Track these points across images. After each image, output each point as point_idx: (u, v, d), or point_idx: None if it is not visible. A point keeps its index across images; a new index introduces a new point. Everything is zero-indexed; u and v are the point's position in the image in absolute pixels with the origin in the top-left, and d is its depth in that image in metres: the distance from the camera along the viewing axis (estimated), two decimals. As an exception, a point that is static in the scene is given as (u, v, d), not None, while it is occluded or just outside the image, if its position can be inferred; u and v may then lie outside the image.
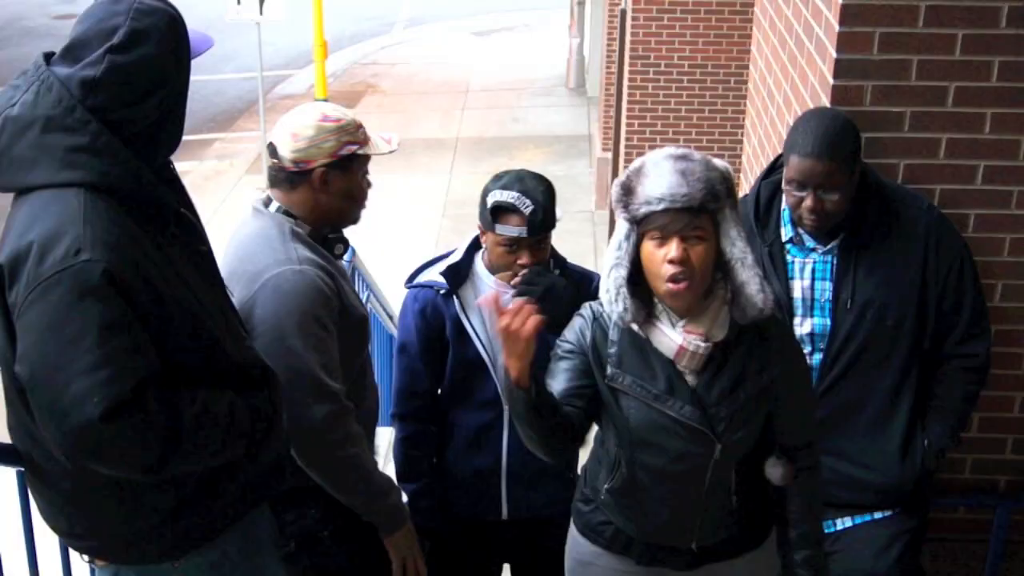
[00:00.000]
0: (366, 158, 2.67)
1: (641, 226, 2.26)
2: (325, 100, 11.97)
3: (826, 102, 2.91)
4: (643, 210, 2.24)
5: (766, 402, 2.40)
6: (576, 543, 2.65)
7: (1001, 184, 2.95)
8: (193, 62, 2.23)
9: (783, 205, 2.84)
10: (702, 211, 2.23)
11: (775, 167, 2.94)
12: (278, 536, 2.53)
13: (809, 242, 2.81)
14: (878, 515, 2.88)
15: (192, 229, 2.20)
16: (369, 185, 2.72)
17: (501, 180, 2.84)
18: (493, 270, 2.91)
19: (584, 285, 2.94)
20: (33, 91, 2.02)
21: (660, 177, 2.23)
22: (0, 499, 2.74)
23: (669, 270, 2.23)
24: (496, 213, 2.79)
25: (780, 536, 2.55)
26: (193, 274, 2.15)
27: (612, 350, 2.38)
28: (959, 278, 2.78)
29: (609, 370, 2.37)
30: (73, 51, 2.05)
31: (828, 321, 2.80)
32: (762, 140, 4.03)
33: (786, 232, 2.83)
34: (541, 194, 2.78)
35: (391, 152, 2.72)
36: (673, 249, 2.22)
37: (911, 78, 2.86)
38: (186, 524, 2.20)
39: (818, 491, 2.54)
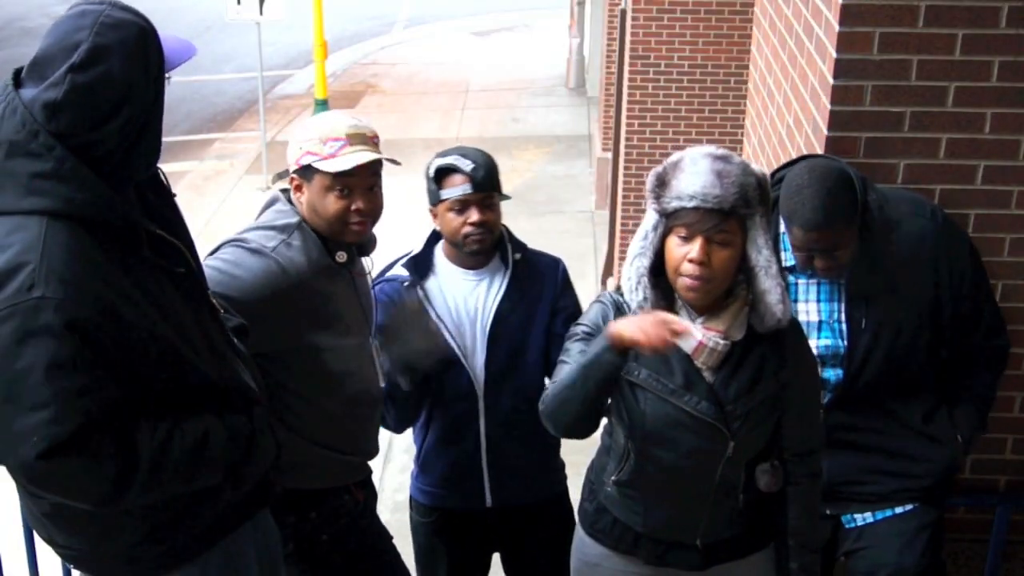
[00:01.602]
0: (329, 175, 2.56)
1: (670, 220, 2.27)
2: (325, 100, 11.96)
3: (826, 102, 2.91)
4: (674, 204, 2.24)
5: (779, 404, 2.40)
6: (583, 544, 2.65)
7: (1001, 184, 2.95)
8: (191, 62, 2.20)
9: (782, 228, 2.77)
10: (732, 215, 2.23)
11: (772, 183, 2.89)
12: (276, 547, 2.51)
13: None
14: (899, 509, 2.88)
15: (169, 251, 2.12)
16: (352, 207, 2.59)
17: (440, 153, 2.91)
18: (450, 243, 2.93)
19: (552, 270, 3.02)
20: None
21: (696, 175, 2.22)
22: (0, 500, 2.74)
23: (688, 268, 2.24)
24: (440, 179, 2.85)
25: (777, 541, 2.54)
26: (171, 296, 2.09)
27: None
28: (973, 283, 2.78)
29: (626, 364, 2.37)
30: (38, 68, 1.98)
31: (839, 340, 2.77)
32: (762, 140, 4.03)
33: (787, 259, 2.78)
34: (480, 155, 2.86)
35: (343, 172, 2.56)
36: (696, 249, 2.22)
37: (911, 78, 2.86)
38: (162, 547, 2.19)
39: (817, 499, 2.54)
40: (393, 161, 2.67)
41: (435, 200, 2.88)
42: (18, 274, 1.90)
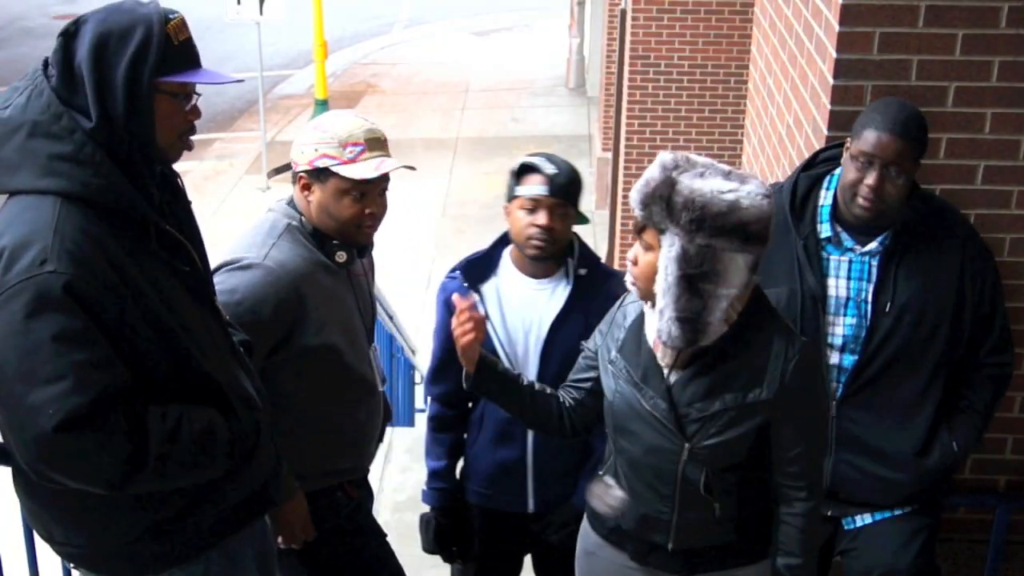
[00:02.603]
0: (349, 180, 2.56)
1: None
2: (325, 100, 11.96)
3: (826, 102, 2.91)
4: None
5: (751, 421, 2.34)
6: (585, 532, 2.69)
7: (1001, 184, 2.95)
8: None
9: (820, 201, 2.80)
10: (648, 224, 2.23)
11: (815, 161, 2.89)
12: (271, 550, 2.52)
13: (847, 241, 2.77)
14: (897, 511, 2.88)
15: (176, 248, 2.15)
16: (366, 211, 2.61)
17: (531, 153, 2.91)
18: (516, 244, 2.91)
19: (619, 289, 2.91)
20: (26, 95, 2.02)
21: (641, 176, 2.26)
22: (0, 499, 2.74)
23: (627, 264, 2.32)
24: (520, 175, 2.84)
25: (772, 564, 2.50)
26: (177, 292, 2.12)
27: (621, 334, 2.43)
28: (994, 289, 2.78)
29: (612, 352, 2.44)
30: None
31: (862, 322, 2.77)
32: (762, 140, 4.03)
33: (823, 230, 2.78)
34: (566, 164, 2.85)
35: (366, 180, 2.56)
36: (632, 248, 2.30)
37: (911, 78, 2.86)
38: (164, 544, 2.19)
39: (815, 527, 2.46)
40: (410, 167, 2.65)
41: (510, 195, 2.87)
42: (30, 249, 1.93)
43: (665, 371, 2.36)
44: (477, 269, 2.96)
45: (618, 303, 2.53)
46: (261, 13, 10.95)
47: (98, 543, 2.18)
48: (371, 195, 2.61)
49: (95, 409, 1.92)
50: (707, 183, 2.18)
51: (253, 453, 2.23)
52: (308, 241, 2.62)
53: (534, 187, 2.80)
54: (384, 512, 4.86)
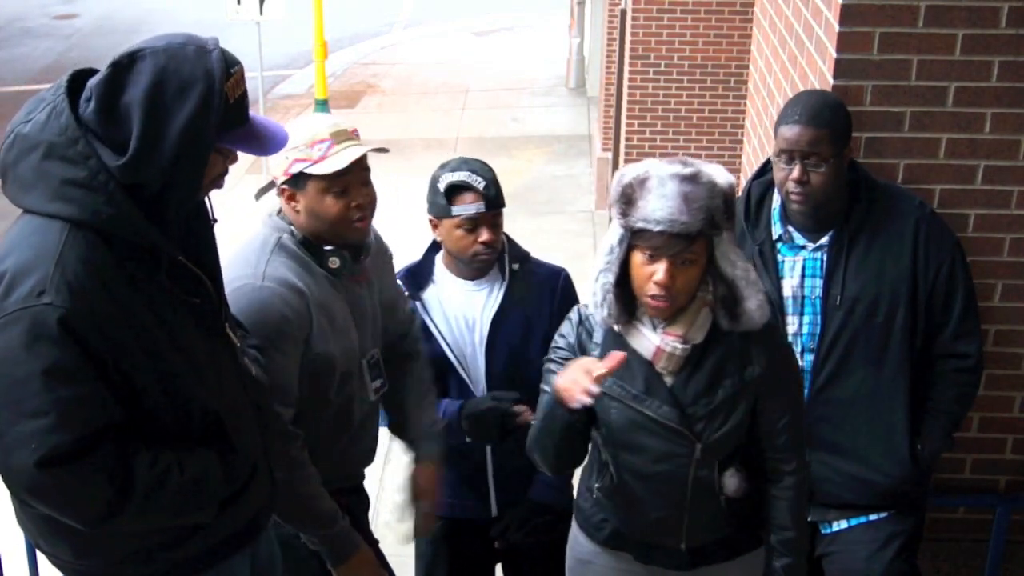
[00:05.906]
0: (324, 177, 2.51)
1: (634, 237, 2.26)
2: (325, 100, 11.95)
3: (826, 102, 2.91)
4: (639, 225, 2.23)
5: (747, 401, 2.38)
6: (576, 541, 2.66)
7: (1001, 184, 2.95)
8: None
9: (774, 204, 2.84)
10: (698, 236, 2.22)
11: (766, 168, 2.94)
12: (274, 564, 2.50)
13: (799, 239, 2.81)
14: (873, 517, 2.88)
15: (188, 279, 2.10)
16: (352, 204, 2.55)
17: (447, 166, 2.91)
18: (455, 257, 2.93)
19: (552, 280, 3.01)
20: (47, 112, 1.97)
21: (663, 198, 2.19)
22: (1, 501, 2.74)
23: (653, 289, 2.25)
24: (451, 196, 2.85)
25: (765, 541, 2.54)
26: (185, 324, 2.07)
27: (595, 352, 2.39)
28: (949, 275, 2.77)
29: None
30: None
31: (817, 319, 2.79)
32: (762, 140, 4.03)
33: (776, 230, 2.83)
34: (488, 172, 2.88)
35: (340, 172, 2.51)
36: (661, 272, 2.23)
37: (911, 78, 2.86)
38: (152, 567, 2.16)
39: (804, 498, 2.51)
40: (382, 149, 2.63)
41: (443, 214, 2.86)
42: (30, 277, 1.90)
43: (666, 378, 2.35)
44: (416, 278, 2.99)
45: (572, 323, 2.46)
46: (261, 13, 10.93)
47: (83, 561, 2.16)
48: (353, 187, 2.56)
49: (79, 447, 1.90)
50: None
51: (246, 490, 2.20)
52: (300, 252, 2.58)
53: (470, 206, 2.83)
54: (384, 512, 4.86)
